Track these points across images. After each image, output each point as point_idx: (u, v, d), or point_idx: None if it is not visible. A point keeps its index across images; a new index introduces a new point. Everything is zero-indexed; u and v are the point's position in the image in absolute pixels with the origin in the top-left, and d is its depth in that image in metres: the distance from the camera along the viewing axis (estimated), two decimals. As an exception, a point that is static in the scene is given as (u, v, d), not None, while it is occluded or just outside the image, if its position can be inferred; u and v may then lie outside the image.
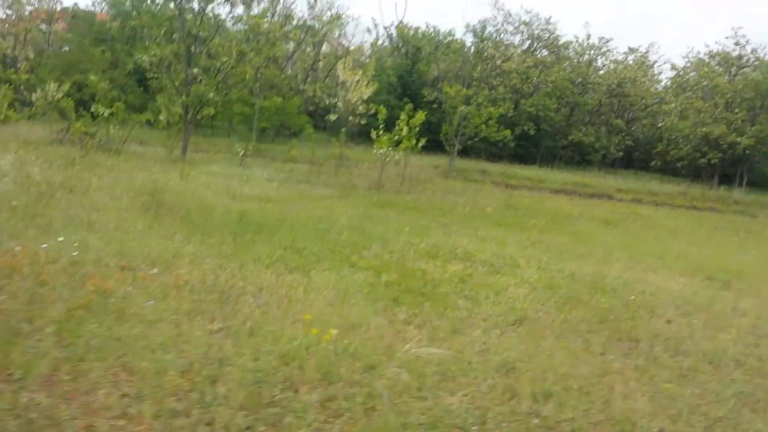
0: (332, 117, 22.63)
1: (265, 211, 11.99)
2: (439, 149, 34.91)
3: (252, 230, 9.64)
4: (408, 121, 20.27)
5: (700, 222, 21.24)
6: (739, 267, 11.27)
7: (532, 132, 40.56)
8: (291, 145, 24.39)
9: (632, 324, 6.62)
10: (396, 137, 20.08)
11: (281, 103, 33.32)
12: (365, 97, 23.07)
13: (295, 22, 36.27)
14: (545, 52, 45.64)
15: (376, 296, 6.67)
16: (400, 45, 46.70)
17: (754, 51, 38.29)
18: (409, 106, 20.04)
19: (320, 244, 9.22)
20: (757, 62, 38.27)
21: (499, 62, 41.94)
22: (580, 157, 44.28)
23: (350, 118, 22.20)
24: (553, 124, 43.04)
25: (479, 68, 41.91)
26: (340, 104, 24.83)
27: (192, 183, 14.71)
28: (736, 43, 38.23)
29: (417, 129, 21.93)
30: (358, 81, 23.56)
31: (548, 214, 18.30)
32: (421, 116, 22.37)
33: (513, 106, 41.20)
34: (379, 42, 48.61)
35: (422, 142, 22.16)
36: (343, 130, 23.31)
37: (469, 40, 45.58)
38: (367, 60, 49.16)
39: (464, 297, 7.14)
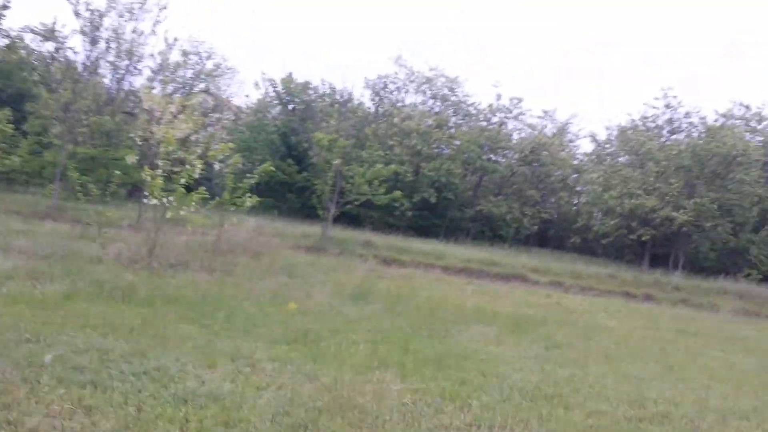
0: (129, 158, 14.59)
1: None
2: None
3: None
4: (195, 165, 13.07)
5: (651, 320, 14.40)
6: None
7: (433, 200, 34.03)
8: (47, 191, 16.32)
9: None
10: (182, 180, 12.48)
11: (105, 153, 25.41)
12: (178, 135, 15.41)
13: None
14: (450, 113, 40.15)
15: None
16: (286, 100, 39.92)
17: (687, 114, 33.61)
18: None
19: None
20: (688, 126, 33.52)
21: (396, 120, 35.88)
22: (491, 232, 38.09)
23: (159, 162, 14.34)
24: (459, 193, 36.98)
25: (375, 126, 35.94)
26: (138, 139, 17.03)
27: None
28: (667, 106, 33.40)
29: (249, 183, 15.56)
30: (174, 114, 15.93)
31: (422, 308, 10.95)
32: (267, 166, 17.48)
33: (414, 171, 34.89)
34: (266, 99, 41.55)
35: (253, 200, 15.23)
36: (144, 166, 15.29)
37: (367, 98, 39.78)
38: (243, 115, 42.37)
39: None
